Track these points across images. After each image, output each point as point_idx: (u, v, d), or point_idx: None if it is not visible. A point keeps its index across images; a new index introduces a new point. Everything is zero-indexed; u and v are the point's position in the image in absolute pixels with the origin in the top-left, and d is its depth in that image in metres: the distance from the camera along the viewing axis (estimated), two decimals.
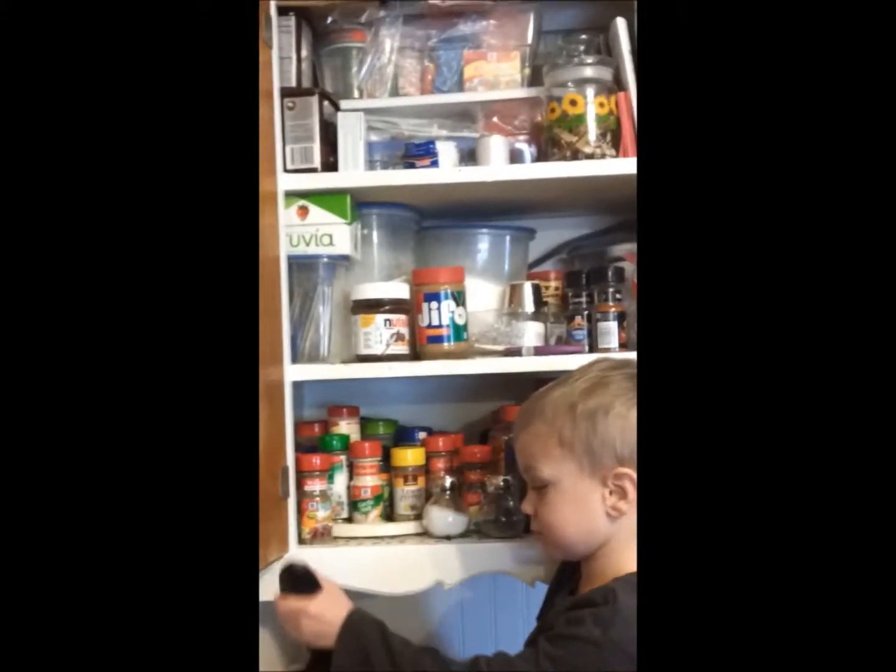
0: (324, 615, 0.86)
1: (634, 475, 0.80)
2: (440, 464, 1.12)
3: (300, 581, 0.89)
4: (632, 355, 0.99)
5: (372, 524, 1.10)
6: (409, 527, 1.10)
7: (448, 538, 1.06)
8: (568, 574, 0.92)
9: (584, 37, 1.12)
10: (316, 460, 1.09)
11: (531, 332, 1.10)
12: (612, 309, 1.06)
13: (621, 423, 0.80)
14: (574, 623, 0.77)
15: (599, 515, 0.82)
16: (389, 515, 1.12)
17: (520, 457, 0.89)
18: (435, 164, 1.10)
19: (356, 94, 1.17)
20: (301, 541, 1.08)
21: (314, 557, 1.03)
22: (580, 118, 1.07)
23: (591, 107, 1.07)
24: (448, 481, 1.08)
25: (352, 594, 0.91)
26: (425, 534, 1.08)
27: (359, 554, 1.05)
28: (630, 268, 1.09)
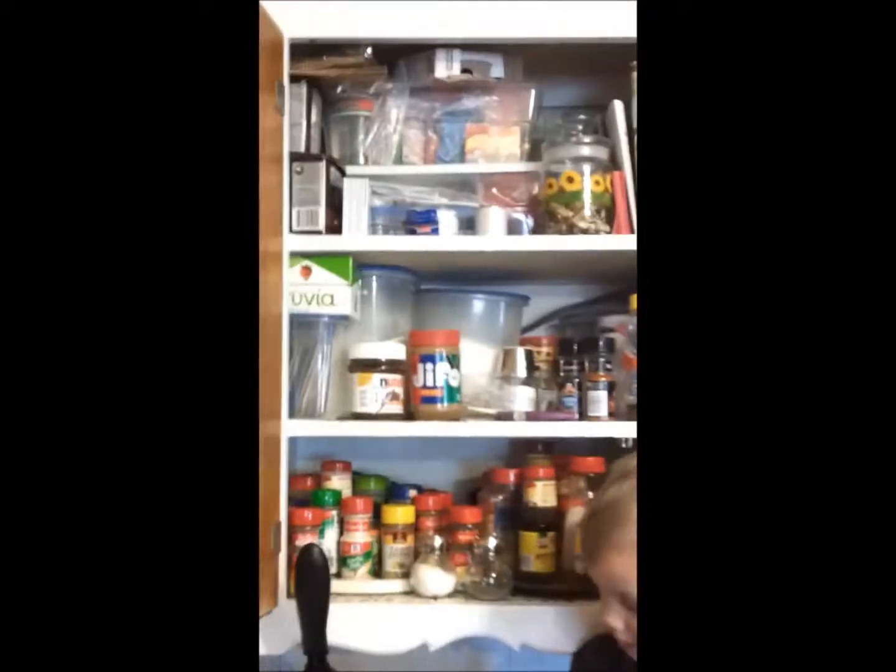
0: None
1: None
2: (429, 522, 1.14)
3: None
4: None
5: (360, 580, 1.12)
6: (396, 585, 1.11)
7: (435, 598, 1.08)
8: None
9: (582, 116, 1.17)
10: (308, 515, 1.11)
11: (523, 397, 1.13)
12: (603, 378, 1.10)
13: None
14: None
15: None
16: (378, 572, 1.14)
17: (610, 580, 0.88)
18: (436, 231, 1.14)
19: (362, 160, 1.22)
20: (290, 595, 1.09)
21: None
22: (577, 194, 1.11)
23: (588, 184, 1.12)
24: (437, 541, 1.10)
25: (337, 651, 0.93)
26: (412, 592, 1.10)
27: (346, 610, 1.06)
28: (620, 339, 1.13)
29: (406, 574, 1.12)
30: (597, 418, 1.09)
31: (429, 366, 1.12)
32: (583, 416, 1.11)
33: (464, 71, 1.18)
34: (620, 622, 0.88)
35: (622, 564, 0.86)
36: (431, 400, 1.12)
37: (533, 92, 1.22)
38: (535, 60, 1.20)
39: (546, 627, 1.03)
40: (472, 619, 1.06)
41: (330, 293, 1.13)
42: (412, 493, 1.21)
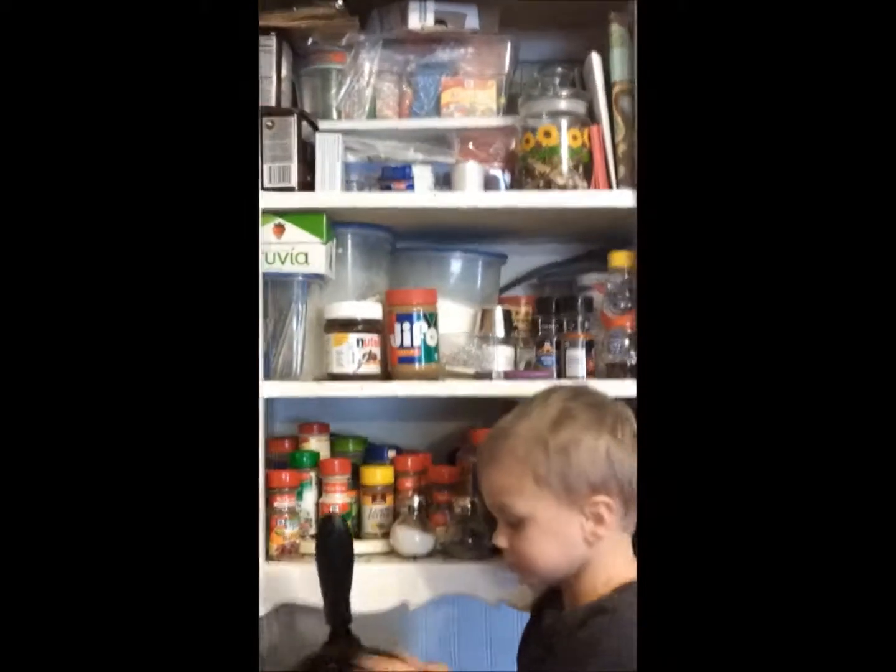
0: None
1: (610, 501, 0.84)
2: (408, 483, 1.13)
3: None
4: (584, 382, 1.02)
5: None
6: (376, 545, 1.11)
7: (414, 558, 1.08)
8: (551, 595, 0.94)
9: (559, 69, 1.15)
10: (285, 476, 1.10)
11: (501, 357, 1.12)
12: (581, 337, 1.09)
13: (592, 454, 0.84)
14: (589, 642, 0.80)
15: (578, 542, 0.85)
16: (357, 533, 1.13)
17: (489, 494, 0.90)
18: (411, 187, 1.12)
19: (334, 115, 1.19)
20: (269, 557, 1.09)
21: (280, 574, 1.05)
22: (554, 149, 1.09)
23: (565, 139, 1.10)
24: (416, 501, 1.09)
25: (318, 612, 0.92)
26: (392, 553, 1.10)
27: None
28: (599, 297, 1.12)
29: (385, 534, 1.11)
30: (575, 377, 1.08)
31: (406, 325, 1.11)
32: (561, 375, 1.10)
33: (438, 22, 1.15)
34: (505, 541, 0.89)
35: (495, 474, 0.88)
36: (409, 360, 1.11)
37: (509, 44, 1.19)
38: (511, 12, 1.17)
39: (524, 586, 1.03)
40: (452, 578, 1.06)
41: (304, 252, 1.11)
42: (391, 453, 1.21)
